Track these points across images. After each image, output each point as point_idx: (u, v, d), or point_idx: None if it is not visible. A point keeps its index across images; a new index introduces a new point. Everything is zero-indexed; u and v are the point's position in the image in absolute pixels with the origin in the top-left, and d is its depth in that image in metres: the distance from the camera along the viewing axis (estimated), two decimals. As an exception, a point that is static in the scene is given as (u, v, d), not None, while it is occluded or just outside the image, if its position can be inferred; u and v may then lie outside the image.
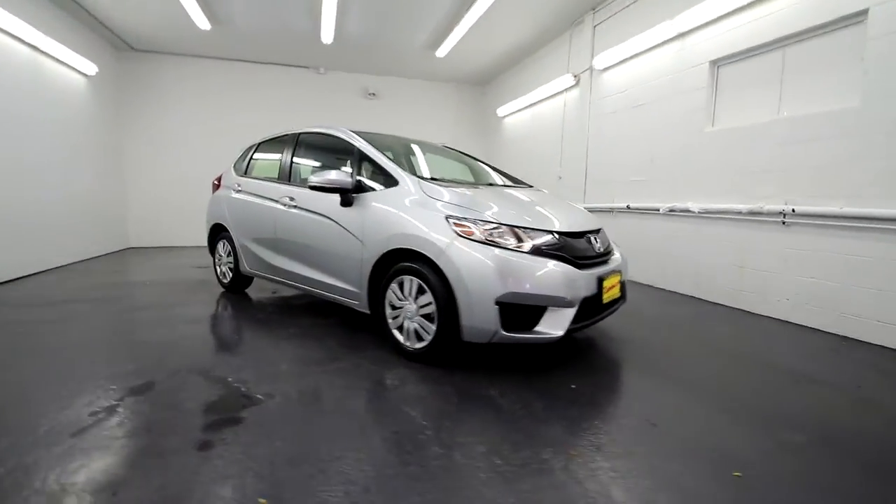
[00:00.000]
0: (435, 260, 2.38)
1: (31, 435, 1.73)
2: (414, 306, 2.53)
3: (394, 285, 2.63)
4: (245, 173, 4.17)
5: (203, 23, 5.99)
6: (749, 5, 3.78)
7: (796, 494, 1.49)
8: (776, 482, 1.55)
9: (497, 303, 2.24)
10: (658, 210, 4.76)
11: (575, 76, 6.22)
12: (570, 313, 2.34)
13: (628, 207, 5.20)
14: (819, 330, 3.35)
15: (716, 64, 4.20)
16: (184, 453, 1.63)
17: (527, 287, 2.24)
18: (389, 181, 2.81)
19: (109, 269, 5.80)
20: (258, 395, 2.13)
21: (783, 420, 2.01)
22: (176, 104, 7.83)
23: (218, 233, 4.37)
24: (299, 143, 3.67)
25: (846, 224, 3.15)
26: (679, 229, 4.58)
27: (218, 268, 4.45)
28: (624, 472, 1.58)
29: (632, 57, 5.16)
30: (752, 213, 3.79)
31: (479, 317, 2.27)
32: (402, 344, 2.64)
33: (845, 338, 3.17)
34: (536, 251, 2.35)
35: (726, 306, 4.09)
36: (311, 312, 3.67)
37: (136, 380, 2.27)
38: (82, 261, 6.22)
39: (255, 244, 3.81)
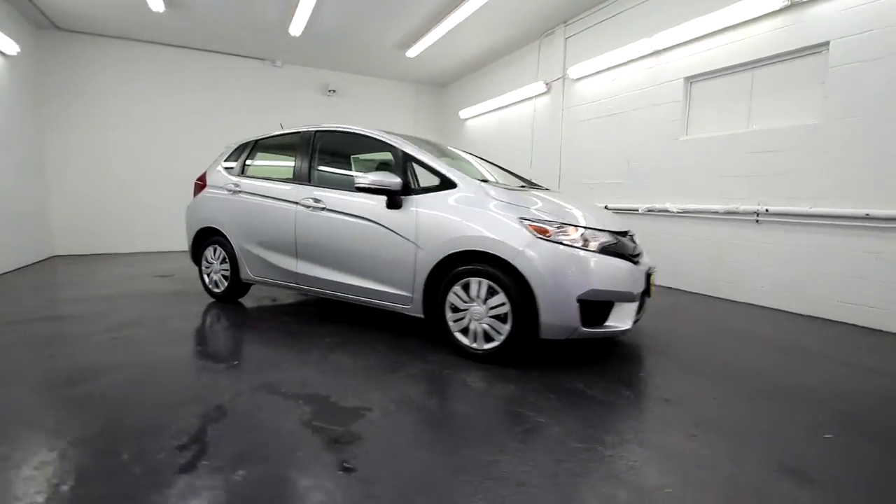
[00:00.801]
0: (510, 261, 2.42)
1: (127, 474, 1.50)
2: (483, 308, 2.55)
3: (457, 288, 2.62)
4: (242, 173, 3.84)
5: (157, 4, 5.36)
6: (722, 31, 4.30)
7: (884, 447, 1.78)
8: (859, 440, 1.83)
9: (578, 300, 2.34)
10: (637, 210, 5.20)
11: (546, 84, 6.56)
12: (633, 307, 2.53)
13: (606, 207, 5.60)
14: (791, 312, 3.91)
15: (689, 80, 4.70)
16: (334, 479, 1.51)
17: (605, 284, 2.38)
18: (444, 183, 2.79)
19: (50, 281, 4.98)
20: (353, 409, 2.02)
21: (823, 392, 2.34)
22: (110, 93, 6.88)
23: (206, 238, 3.97)
24: (317, 142, 3.47)
25: (812, 222, 3.73)
26: (657, 227, 5.04)
27: (206, 276, 4.04)
28: (747, 445, 1.77)
29: (607, 69, 5.57)
30: (728, 212, 4.31)
31: (560, 314, 2.36)
32: (466, 346, 2.64)
33: (815, 317, 3.75)
34: (603, 250, 2.49)
35: (705, 295, 4.60)
36: (329, 319, 3.49)
37: (200, 405, 2.03)
38: (4, 273, 5.25)
39: (263, 249, 3.53)
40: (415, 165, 2.98)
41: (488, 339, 2.57)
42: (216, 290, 3.98)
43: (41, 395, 2.13)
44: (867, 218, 3.38)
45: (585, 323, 2.38)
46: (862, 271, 3.45)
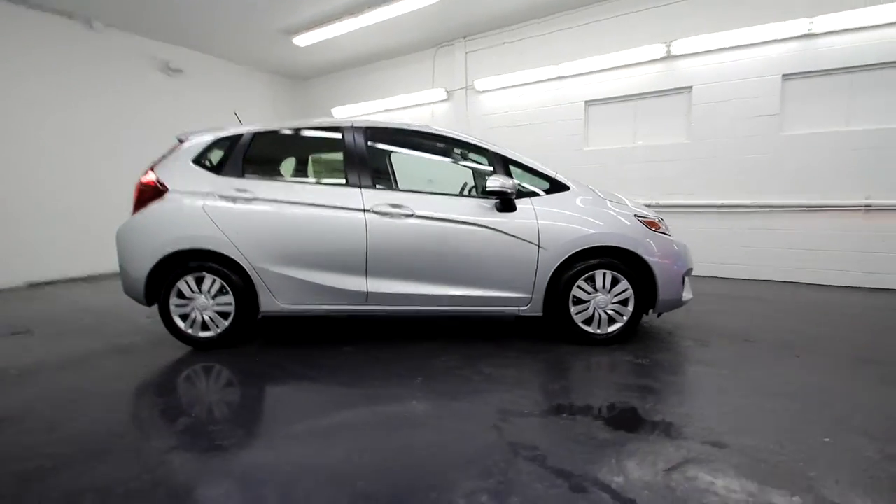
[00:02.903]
0: (634, 250, 2.82)
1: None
2: (608, 296, 2.86)
3: (580, 282, 2.85)
4: (243, 174, 2.93)
5: None
6: (615, 68, 5.61)
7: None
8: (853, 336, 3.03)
9: (683, 277, 2.94)
10: (552, 207, 6.20)
11: (448, 92, 6.94)
12: (689, 281, 3.29)
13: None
14: (677, 275, 5.50)
15: (588, 103, 5.92)
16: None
17: (690, 262, 3.05)
18: (555, 186, 2.95)
19: None
20: (628, 408, 2.10)
21: (777, 315, 3.61)
22: None
23: (178, 265, 2.85)
24: (373, 140, 3.01)
25: (688, 210, 5.37)
26: (569, 221, 6.14)
27: (180, 318, 2.89)
28: (825, 352, 2.71)
29: (515, 86, 6.36)
30: (628, 206, 5.69)
31: (673, 290, 2.90)
32: (590, 333, 2.90)
33: (699, 276, 5.40)
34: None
35: (613, 271, 5.92)
36: (387, 339, 3.11)
37: (483, 462, 1.74)
38: None
39: (306, 270, 2.85)
40: (521, 168, 3.00)
41: (612, 322, 2.90)
42: (203, 335, 2.91)
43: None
44: (722, 206, 5.14)
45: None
46: (722, 241, 5.22)
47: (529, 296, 2.88)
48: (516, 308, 2.91)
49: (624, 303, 2.88)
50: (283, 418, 2.07)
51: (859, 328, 3.23)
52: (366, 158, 2.96)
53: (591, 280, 2.86)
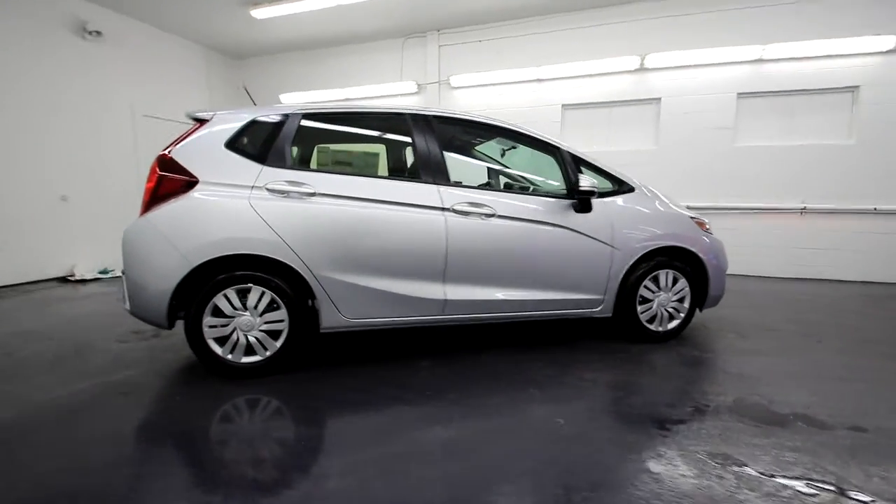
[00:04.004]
0: (692, 249, 2.98)
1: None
2: (668, 294, 2.99)
3: (646, 282, 2.93)
4: (293, 164, 2.47)
5: None
6: (591, 76, 5.90)
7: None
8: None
9: (724, 274, 3.18)
10: (530, 207, 6.32)
11: (419, 85, 6.68)
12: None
13: (497, 206, 6.45)
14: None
15: (565, 107, 6.14)
16: None
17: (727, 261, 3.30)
18: (623, 187, 2.98)
19: None
20: (787, 410, 2.18)
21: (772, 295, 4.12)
22: None
23: (215, 275, 2.30)
24: (444, 131, 2.75)
25: (656, 211, 5.86)
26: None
27: (215, 342, 2.33)
28: (837, 341, 3.14)
29: (492, 84, 6.34)
30: (603, 207, 6.04)
31: (720, 287, 3.13)
32: (652, 331, 3.00)
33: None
34: (703, 237, 3.41)
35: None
36: (468, 354, 2.90)
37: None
38: None
39: (379, 278, 2.50)
40: (590, 168, 2.97)
41: (671, 319, 3.03)
42: (247, 361, 2.38)
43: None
44: (688, 208, 5.69)
45: (722, 291, 3.25)
46: (684, 240, 5.79)
47: (602, 297, 2.88)
48: (590, 310, 2.89)
49: (681, 300, 3.03)
50: (434, 448, 1.77)
51: (841, 314, 3.80)
52: (440, 152, 2.70)
53: (654, 279, 2.96)
